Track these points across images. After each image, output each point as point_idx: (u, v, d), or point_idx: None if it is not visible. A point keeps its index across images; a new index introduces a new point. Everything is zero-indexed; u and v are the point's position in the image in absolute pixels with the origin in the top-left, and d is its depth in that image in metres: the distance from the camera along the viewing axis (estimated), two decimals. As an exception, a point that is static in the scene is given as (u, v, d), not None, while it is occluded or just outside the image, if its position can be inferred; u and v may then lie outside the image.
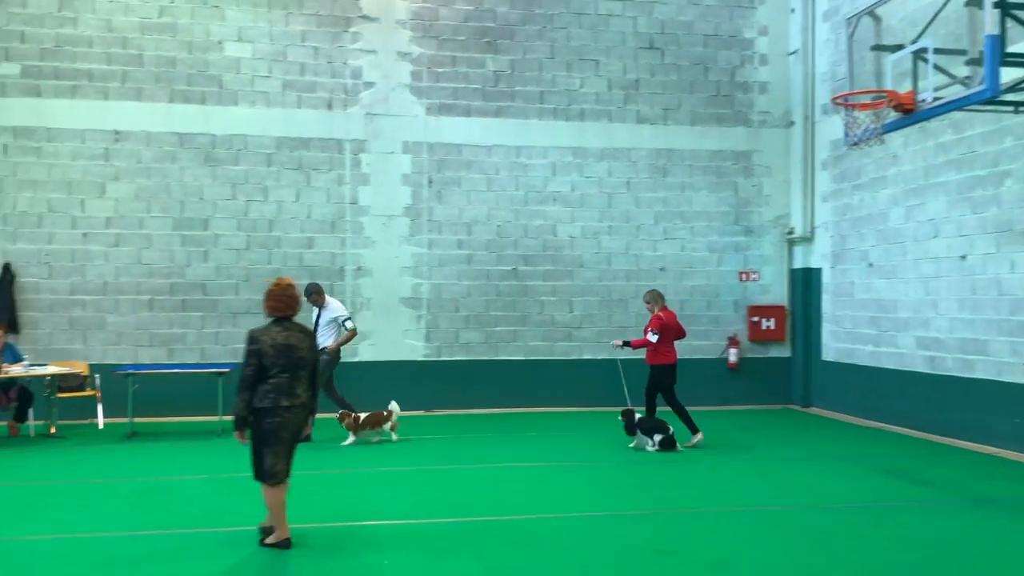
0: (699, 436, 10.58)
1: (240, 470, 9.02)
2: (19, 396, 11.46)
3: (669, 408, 10.69)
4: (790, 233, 14.53)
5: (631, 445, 10.38)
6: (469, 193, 13.84)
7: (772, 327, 14.44)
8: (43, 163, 12.73)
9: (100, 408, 11.98)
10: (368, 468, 9.31)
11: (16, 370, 10.95)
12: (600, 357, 13.76)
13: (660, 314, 10.63)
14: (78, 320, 12.85)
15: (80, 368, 12.11)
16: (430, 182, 13.74)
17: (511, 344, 13.93)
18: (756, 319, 14.43)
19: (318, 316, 11.24)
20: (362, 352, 13.44)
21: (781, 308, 14.55)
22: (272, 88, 13.30)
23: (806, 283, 14.39)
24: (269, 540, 6.24)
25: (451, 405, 13.61)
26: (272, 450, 6.14)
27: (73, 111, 12.79)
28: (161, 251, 13.02)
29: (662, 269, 14.29)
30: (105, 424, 11.91)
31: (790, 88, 14.60)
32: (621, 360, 11.34)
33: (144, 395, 11.58)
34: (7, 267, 12.55)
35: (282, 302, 6.33)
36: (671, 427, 10.29)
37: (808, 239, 14.29)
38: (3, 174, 12.64)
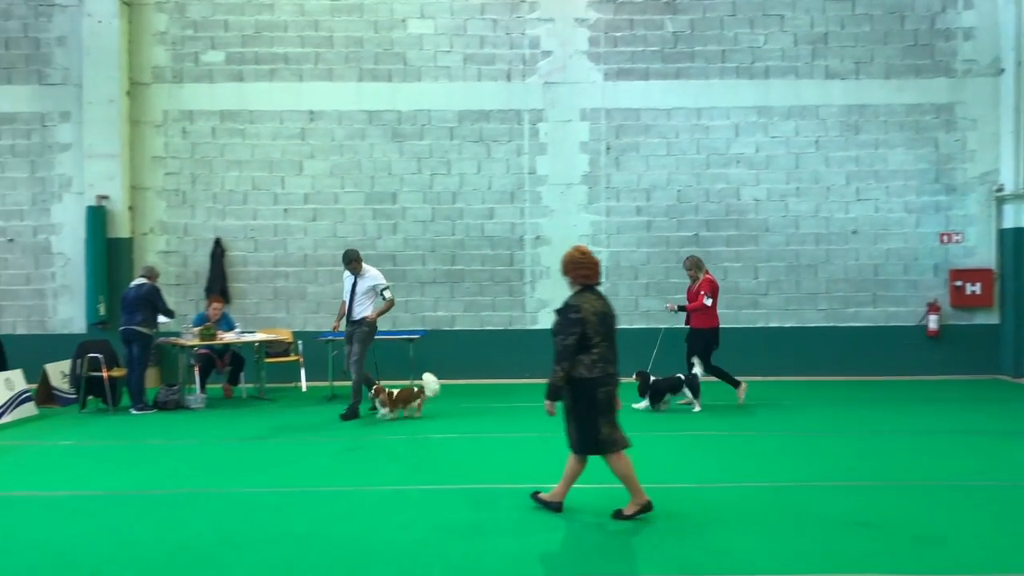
0: (744, 386, 11.10)
1: (431, 432, 9.49)
2: (232, 361, 12.44)
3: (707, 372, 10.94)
4: (999, 190, 13.42)
5: (637, 406, 10.56)
6: (648, 158, 13.67)
7: (978, 292, 13.44)
8: (247, 144, 13.64)
9: (303, 372, 12.82)
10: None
11: (229, 337, 11.87)
12: (788, 325, 13.35)
13: (710, 277, 11.09)
14: (281, 290, 13.74)
15: (285, 335, 12.98)
16: (608, 149, 13.67)
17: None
18: (959, 284, 13.46)
19: (354, 285, 10.66)
20: (542, 320, 13.63)
21: (988, 271, 13.50)
22: (454, 62, 13.61)
23: (1018, 244, 13.27)
24: (628, 511, 6.08)
25: (627, 373, 13.54)
26: (607, 420, 6.10)
27: (272, 94, 13.60)
28: (354, 224, 13.68)
29: (854, 232, 13.59)
30: (308, 387, 12.74)
31: (999, 32, 13.41)
32: (665, 328, 12.03)
33: (342, 359, 12.24)
34: (218, 242, 13.58)
35: (591, 270, 6.29)
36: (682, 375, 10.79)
37: (1021, 196, 13.15)
38: (212, 155, 13.64)
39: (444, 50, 13.60)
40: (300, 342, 12.94)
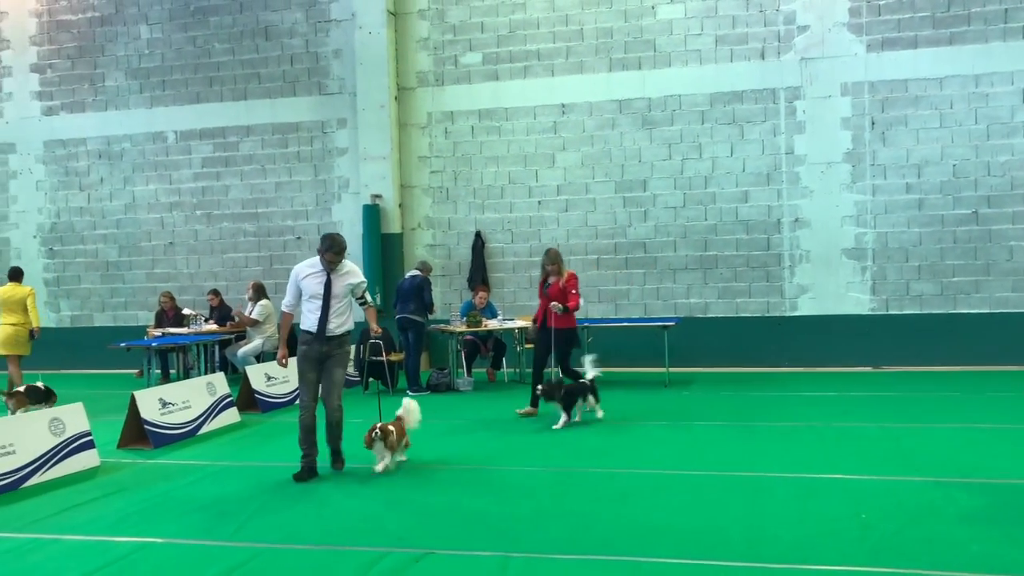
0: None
1: (696, 418, 9.45)
2: (494, 347, 13.05)
3: (556, 371, 9.86)
4: None
5: (558, 425, 9.05)
6: (918, 132, 12.76)
7: None
8: (503, 140, 14.23)
9: (559, 358, 13.19)
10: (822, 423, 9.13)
11: (493, 324, 12.47)
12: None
13: (573, 271, 10.12)
14: (537, 279, 14.16)
15: (541, 322, 13.40)
16: (872, 124, 12.90)
17: (972, 296, 12.64)
18: None
19: (328, 284, 7.23)
20: (802, 306, 13.15)
21: None
22: (704, 45, 13.41)
23: None
24: None
25: (901, 361, 12.77)
26: None
27: (525, 90, 14.08)
28: (605, 213, 13.88)
29: None
30: (565, 373, 13.10)
31: None
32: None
33: (597, 346, 12.48)
34: (478, 234, 14.29)
35: None
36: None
37: None
38: (471, 152, 14.35)
39: (695, 33, 13.43)
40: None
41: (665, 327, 12.06)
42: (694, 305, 13.60)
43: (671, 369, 11.99)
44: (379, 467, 7.21)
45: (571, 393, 9.17)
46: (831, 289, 13.11)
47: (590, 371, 9.32)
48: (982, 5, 12.46)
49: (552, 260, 9.95)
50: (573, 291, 9.79)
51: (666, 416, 9.75)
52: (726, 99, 13.37)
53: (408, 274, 12.31)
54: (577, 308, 9.87)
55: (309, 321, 7.20)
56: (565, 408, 9.05)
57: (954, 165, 12.64)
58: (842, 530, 5.46)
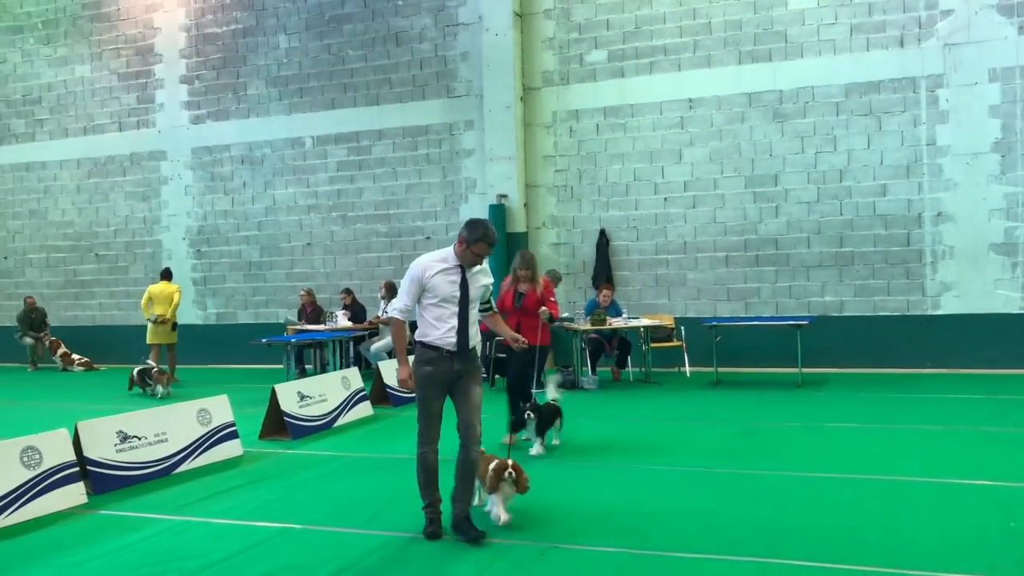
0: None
1: (830, 419, 9.15)
2: (619, 346, 12.99)
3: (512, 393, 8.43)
4: None
5: (534, 451, 7.88)
6: (1077, 118, 11.92)
7: None
8: (628, 137, 14.14)
9: (686, 357, 13.02)
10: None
11: (617, 323, 12.42)
12: None
13: (547, 278, 8.89)
14: (662, 277, 14.07)
15: (667, 321, 13.28)
16: (1025, 111, 12.13)
17: None
18: None
19: (465, 284, 5.76)
20: (945, 304, 12.49)
21: None
22: (839, 35, 12.93)
23: None
24: None
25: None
26: None
27: (651, 86, 13.95)
28: (734, 209, 13.58)
29: None
30: (691, 372, 12.92)
31: None
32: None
33: (725, 346, 12.27)
34: (603, 232, 14.25)
35: None
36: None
37: None
38: (596, 150, 14.33)
39: (828, 23, 12.97)
40: (682, 328, 13.16)
41: (798, 326, 11.68)
42: (829, 303, 13.13)
43: (804, 370, 11.63)
44: (503, 516, 5.71)
45: (544, 415, 8.04)
46: (978, 286, 12.40)
47: (554, 392, 8.20)
48: None
49: (527, 265, 8.60)
50: (552, 299, 8.79)
51: (798, 418, 9.47)
52: (862, 89, 12.84)
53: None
54: (558, 319, 8.97)
55: (436, 333, 5.54)
56: (539, 432, 7.96)
57: (1118, 153, 11.74)
58: (988, 538, 5.18)
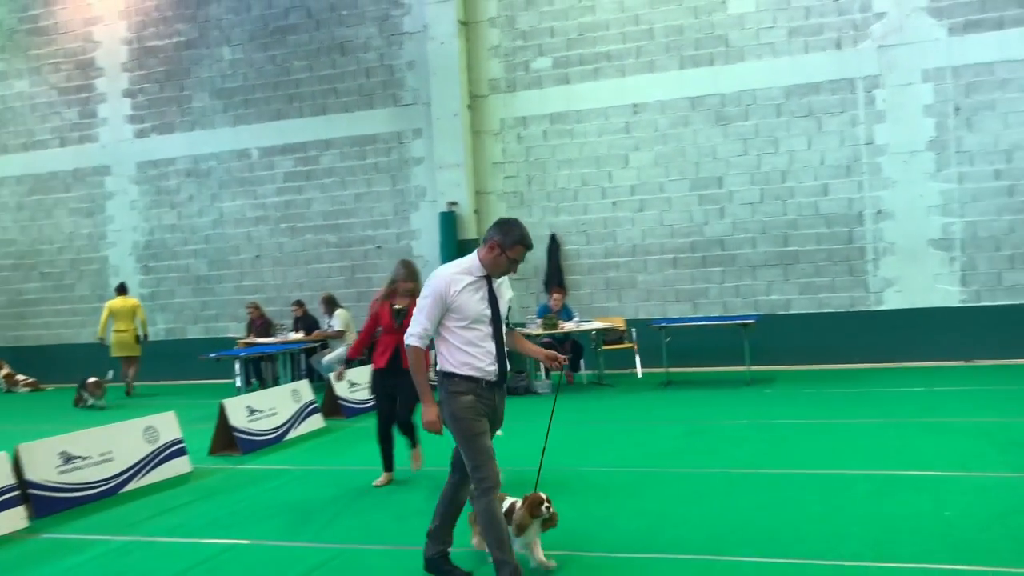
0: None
1: (777, 416, 9.31)
2: (572, 349, 13.08)
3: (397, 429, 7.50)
4: None
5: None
6: (1006, 116, 12.27)
7: None
8: (575, 143, 14.25)
9: (638, 359, 13.15)
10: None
11: (569, 326, 12.51)
12: None
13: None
14: (613, 280, 14.19)
15: (618, 323, 13.40)
16: (957, 110, 12.46)
17: (1071, 284, 12.10)
18: None
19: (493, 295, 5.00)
20: (888, 300, 12.79)
21: None
22: (778, 38, 13.18)
23: None
24: None
25: (994, 355, 12.29)
26: None
27: (596, 92, 14.07)
28: (680, 212, 13.76)
29: None
30: (643, 373, 13.06)
31: None
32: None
33: (675, 346, 12.41)
34: (553, 237, 14.34)
35: None
36: None
37: None
38: (544, 156, 14.43)
39: (767, 27, 13.21)
40: (633, 330, 13.29)
41: (745, 325, 11.87)
42: (775, 302, 13.36)
43: (752, 368, 11.82)
44: (547, 562, 5.02)
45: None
46: (918, 281, 12.71)
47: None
48: (1072, -20, 11.94)
49: (412, 276, 7.54)
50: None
51: (745, 415, 9.62)
52: (802, 91, 13.10)
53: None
54: None
55: (472, 360, 4.65)
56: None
57: (1047, 149, 12.12)
58: (924, 527, 5.33)
